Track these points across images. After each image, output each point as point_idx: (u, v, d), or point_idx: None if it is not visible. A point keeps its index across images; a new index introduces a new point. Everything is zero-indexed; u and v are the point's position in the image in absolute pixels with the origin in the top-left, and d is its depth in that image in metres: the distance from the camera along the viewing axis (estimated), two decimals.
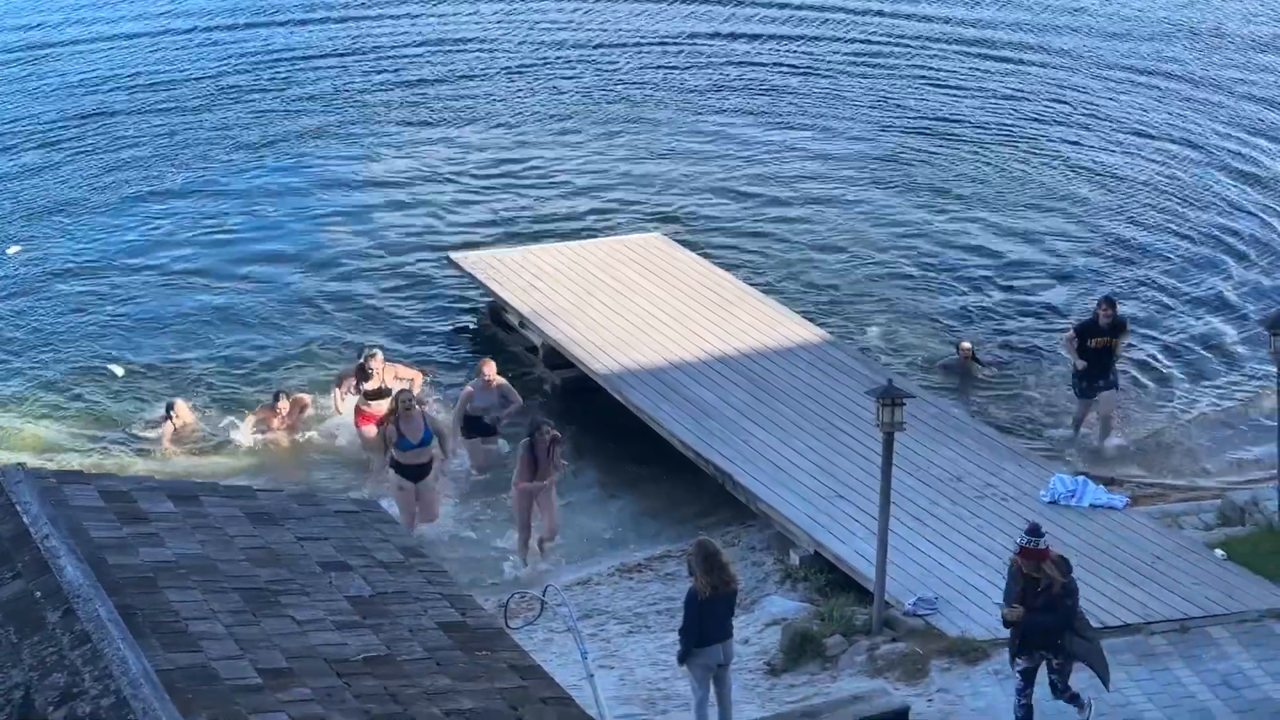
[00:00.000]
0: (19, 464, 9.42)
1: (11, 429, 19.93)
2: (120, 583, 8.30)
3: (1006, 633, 14.27)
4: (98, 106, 30.95)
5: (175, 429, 19.68)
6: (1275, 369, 16.12)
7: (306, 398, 20.04)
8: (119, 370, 21.32)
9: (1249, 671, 13.66)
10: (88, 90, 31.86)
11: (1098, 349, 18.87)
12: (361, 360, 19.48)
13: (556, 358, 20.65)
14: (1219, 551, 15.62)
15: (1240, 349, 22.14)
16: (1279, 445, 15.91)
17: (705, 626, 12.74)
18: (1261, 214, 26.39)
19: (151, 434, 19.83)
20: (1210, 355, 22.05)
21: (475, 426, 18.95)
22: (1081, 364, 18.96)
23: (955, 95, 31.79)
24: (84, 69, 33.11)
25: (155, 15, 36.37)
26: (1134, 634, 14.34)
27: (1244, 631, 14.28)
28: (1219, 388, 21.27)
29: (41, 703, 7.27)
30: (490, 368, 19.00)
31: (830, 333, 21.27)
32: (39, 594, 8.00)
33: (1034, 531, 12.38)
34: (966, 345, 21.29)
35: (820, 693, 13.45)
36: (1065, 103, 31.30)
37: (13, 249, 24.76)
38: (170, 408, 19.78)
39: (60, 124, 30.03)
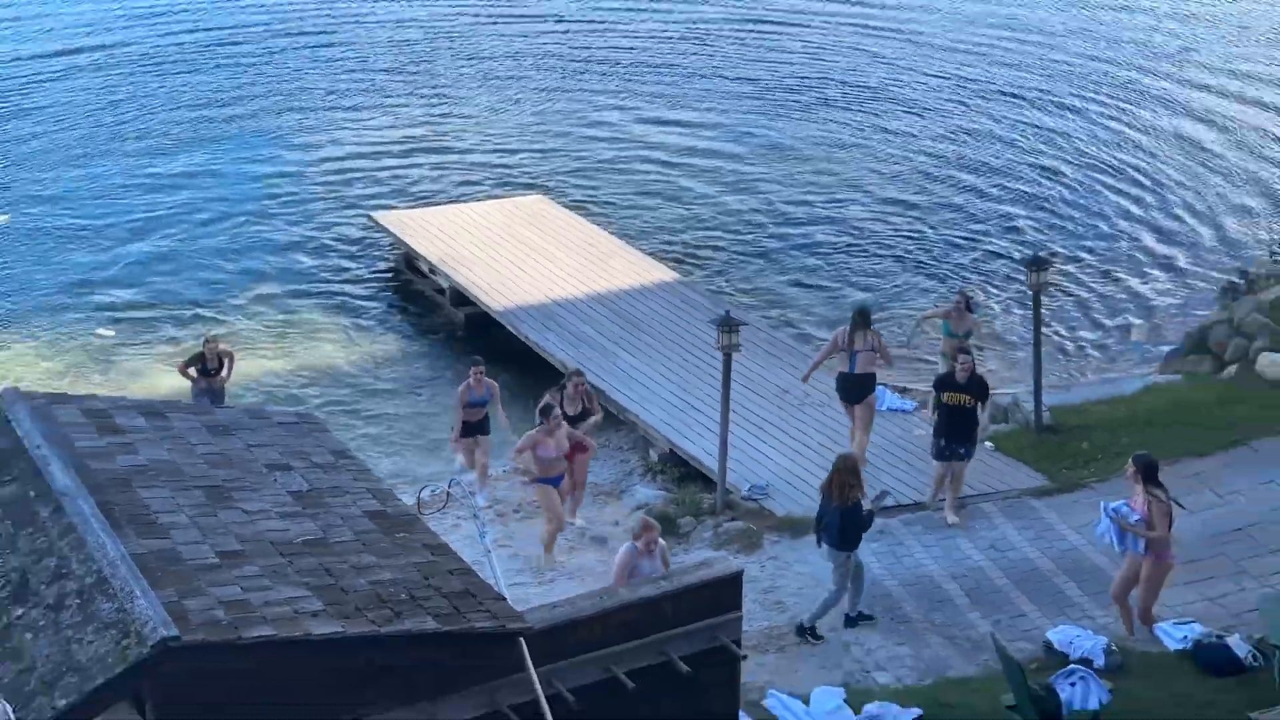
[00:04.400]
0: (14, 386, 9.25)
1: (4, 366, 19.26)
2: (100, 484, 8.23)
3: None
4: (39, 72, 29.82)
5: (209, 367, 16.36)
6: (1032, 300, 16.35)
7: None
8: (108, 333, 20.23)
9: (1012, 538, 14.06)
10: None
11: (952, 406, 14.22)
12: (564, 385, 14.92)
13: (461, 298, 20.55)
14: (989, 443, 15.97)
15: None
16: (1034, 358, 16.23)
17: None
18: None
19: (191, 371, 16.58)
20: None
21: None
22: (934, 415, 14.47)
23: (831, 61, 30.77)
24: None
25: None
26: (923, 510, 14.68)
27: (1008, 506, 14.67)
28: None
29: (35, 582, 7.23)
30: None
31: (686, 275, 21.32)
32: (32, 494, 7.93)
33: None
34: (961, 295, 17.18)
35: (675, 561, 13.60)
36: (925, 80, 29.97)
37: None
38: (205, 345, 16.54)
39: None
